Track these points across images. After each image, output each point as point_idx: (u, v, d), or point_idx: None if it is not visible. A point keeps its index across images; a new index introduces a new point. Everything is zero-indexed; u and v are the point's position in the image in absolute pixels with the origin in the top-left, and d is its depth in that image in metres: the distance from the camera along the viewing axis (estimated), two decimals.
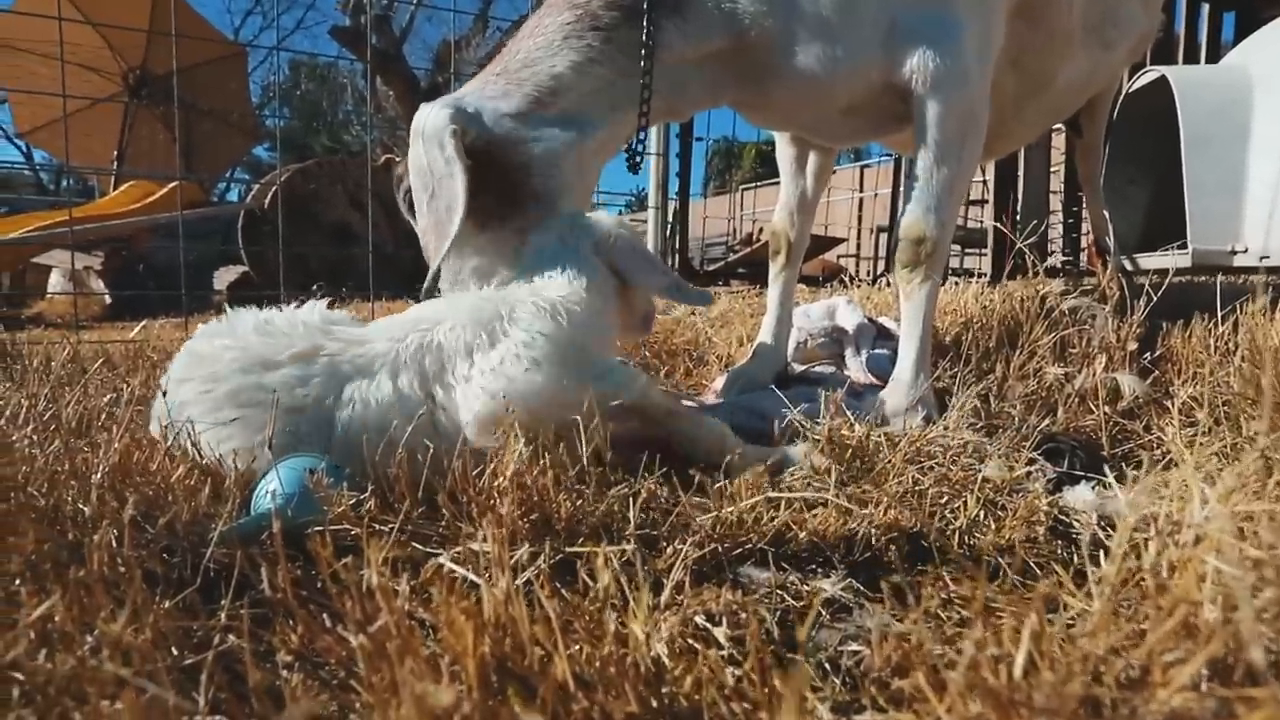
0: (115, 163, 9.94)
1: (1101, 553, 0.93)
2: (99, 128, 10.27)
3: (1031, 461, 1.14)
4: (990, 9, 1.68)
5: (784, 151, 2.14)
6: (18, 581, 0.63)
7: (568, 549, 0.75)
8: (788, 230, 2.12)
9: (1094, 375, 1.29)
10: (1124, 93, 3.72)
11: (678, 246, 5.49)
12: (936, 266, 1.59)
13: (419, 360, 1.07)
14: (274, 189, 6.69)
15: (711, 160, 27.12)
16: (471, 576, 0.48)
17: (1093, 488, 1.08)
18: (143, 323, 4.59)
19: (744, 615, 0.60)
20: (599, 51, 1.45)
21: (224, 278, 7.92)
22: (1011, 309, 1.81)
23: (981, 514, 1.06)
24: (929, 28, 1.56)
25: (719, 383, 2.08)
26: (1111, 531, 0.97)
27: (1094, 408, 1.31)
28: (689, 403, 1.94)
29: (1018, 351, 1.46)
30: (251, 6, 26.49)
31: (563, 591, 0.64)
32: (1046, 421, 1.25)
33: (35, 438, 0.87)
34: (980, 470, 1.13)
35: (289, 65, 25.08)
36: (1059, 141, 6.89)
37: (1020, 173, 6.97)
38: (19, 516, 0.68)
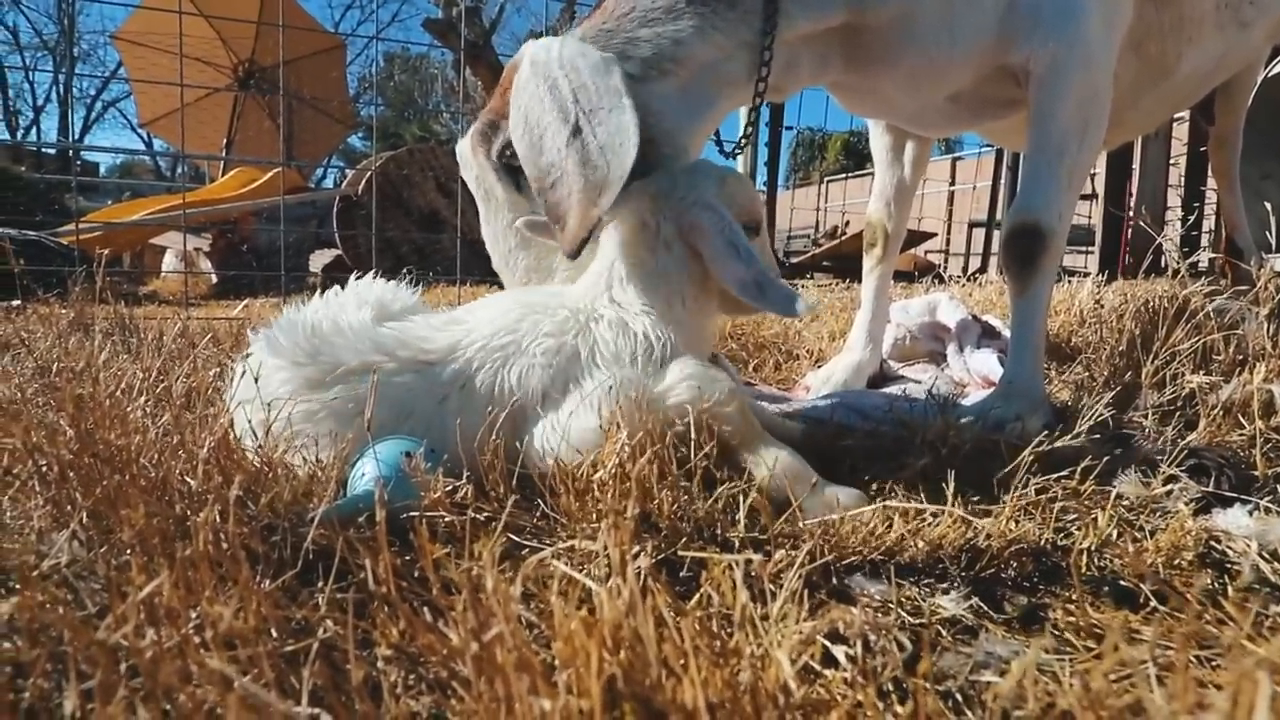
0: (225, 150, 10.50)
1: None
2: (211, 117, 10.87)
3: (1173, 478, 1.03)
4: None
5: (879, 140, 2.03)
6: (128, 554, 0.63)
7: (674, 550, 0.71)
8: (884, 221, 2.02)
9: (1246, 385, 1.15)
10: (1260, 79, 3.39)
11: None
12: (1052, 262, 1.47)
13: (486, 397, 0.99)
14: (368, 175, 6.92)
15: (795, 151, 26.52)
16: (593, 586, 0.45)
17: (1249, 512, 0.96)
18: (245, 301, 4.83)
19: (874, 638, 0.55)
20: (722, 18, 1.32)
21: (319, 260, 8.26)
22: (1138, 310, 1.66)
23: (1115, 533, 0.96)
24: (1049, 7, 1.44)
25: (810, 379, 2.00)
26: (1278, 564, 0.86)
27: (1244, 422, 1.18)
28: (777, 405, 1.87)
29: (1151, 357, 1.32)
30: (351, 1, 27.61)
31: (673, 598, 0.60)
32: (1189, 436, 1.12)
33: (147, 409, 0.89)
34: (1114, 485, 1.03)
35: (384, 57, 26.01)
36: (1180, 130, 6.39)
37: (1136, 165, 6.51)
38: (131, 488, 0.69)
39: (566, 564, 0.55)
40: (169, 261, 8.76)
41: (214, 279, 7.59)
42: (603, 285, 1.10)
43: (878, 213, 2.02)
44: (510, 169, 1.33)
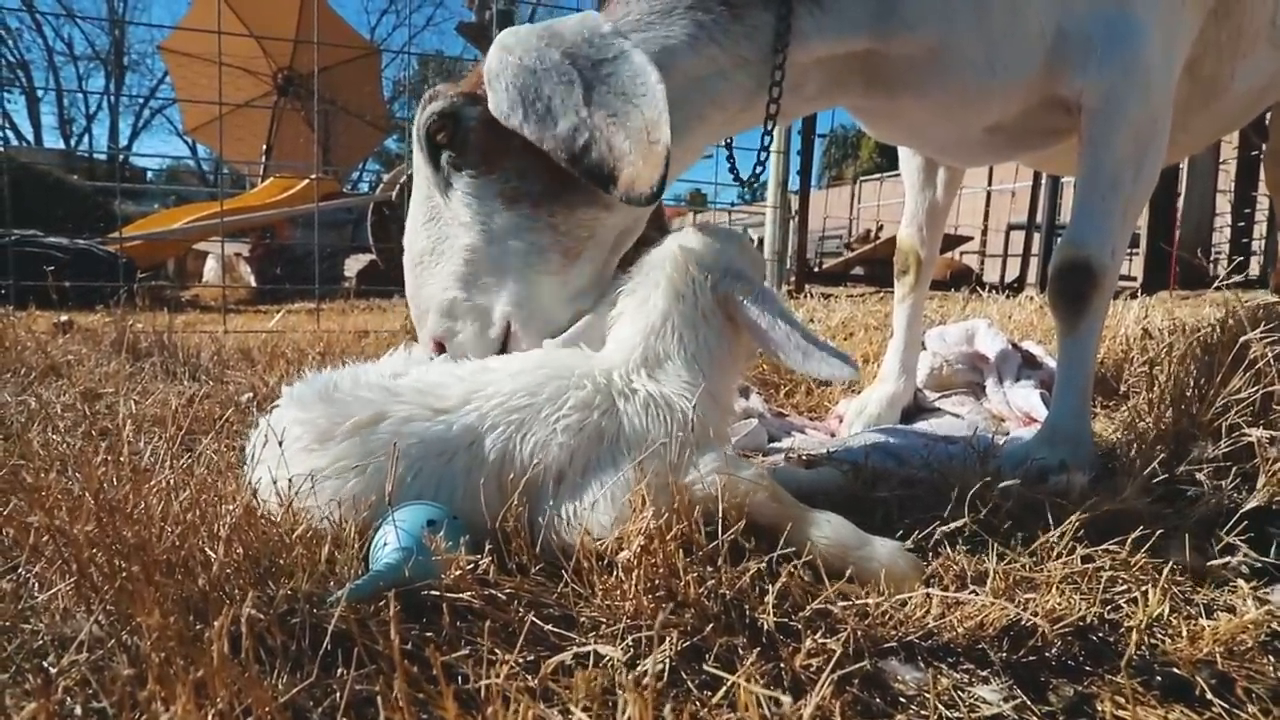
0: (264, 157, 10.71)
1: None
2: (251, 124, 11.09)
3: (1230, 548, 0.97)
4: (1178, 6, 1.44)
5: (909, 161, 1.95)
6: (148, 643, 0.62)
7: (700, 636, 0.68)
8: (917, 248, 1.93)
9: None
10: None
11: (796, 248, 5.31)
12: (1103, 301, 1.40)
13: (499, 468, 0.95)
14: (400, 183, 6.99)
15: (828, 149, 26.13)
16: None
17: None
18: (281, 311, 4.91)
19: None
20: (722, 30, 1.23)
21: (354, 265, 8.38)
22: (1190, 349, 1.58)
23: (1166, 610, 0.91)
24: (1103, 34, 1.33)
25: (843, 408, 1.96)
26: None
27: None
28: (813, 431, 1.83)
29: (1206, 406, 1.26)
30: (386, 6, 28.07)
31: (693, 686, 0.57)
32: (1249, 500, 1.06)
33: (172, 481, 0.89)
34: (1167, 553, 0.97)
35: (418, 60, 26.31)
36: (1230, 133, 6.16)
37: (1183, 166, 6.29)
38: (153, 571, 0.69)
39: (582, 659, 0.52)
40: (211, 266, 8.97)
41: (253, 283, 7.76)
42: (638, 358, 1.06)
43: (909, 238, 1.94)
44: (432, 144, 1.26)
